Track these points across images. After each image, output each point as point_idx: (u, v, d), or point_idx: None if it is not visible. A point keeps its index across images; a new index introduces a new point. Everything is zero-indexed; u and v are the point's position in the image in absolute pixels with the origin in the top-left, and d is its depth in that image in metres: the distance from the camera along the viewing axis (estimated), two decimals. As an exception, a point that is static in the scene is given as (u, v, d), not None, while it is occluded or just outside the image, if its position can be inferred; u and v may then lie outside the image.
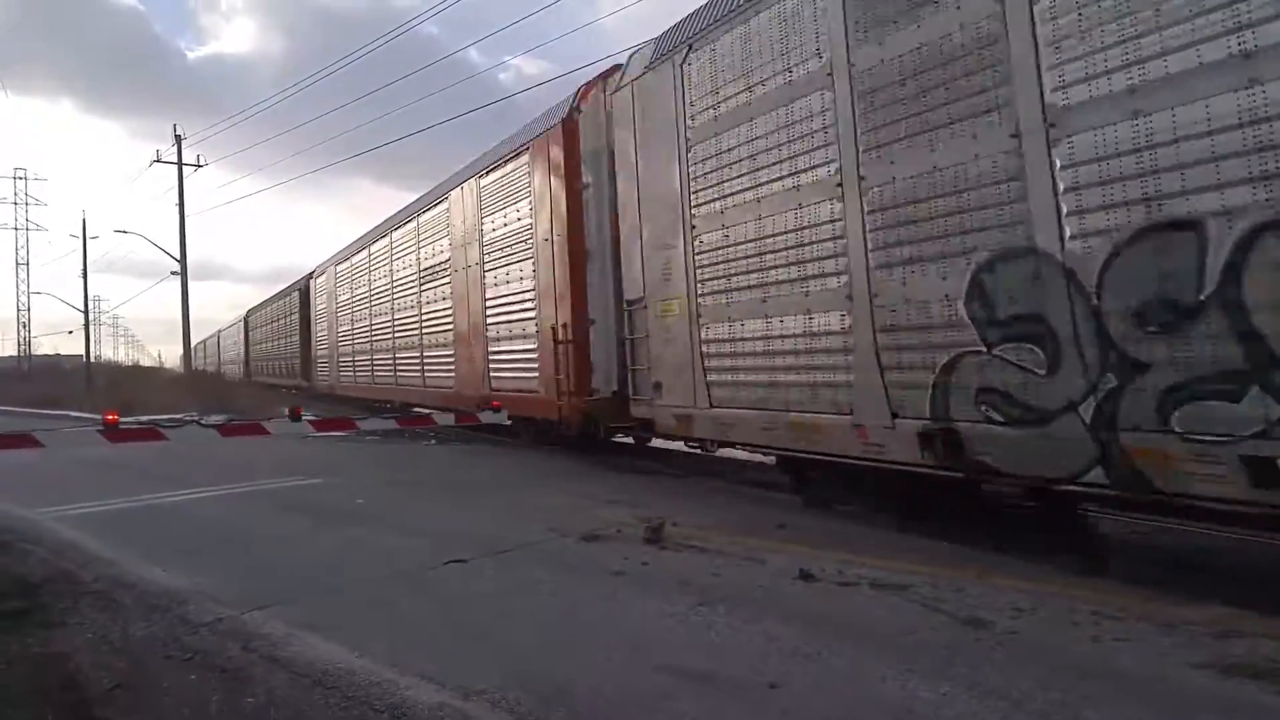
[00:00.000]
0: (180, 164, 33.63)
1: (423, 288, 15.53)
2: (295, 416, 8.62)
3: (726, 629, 4.08)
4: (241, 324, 42.31)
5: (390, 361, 17.50)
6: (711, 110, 7.52)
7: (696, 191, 7.72)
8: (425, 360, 15.54)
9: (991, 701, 3.17)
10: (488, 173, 12.53)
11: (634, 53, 9.11)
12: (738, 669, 3.56)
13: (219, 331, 53.86)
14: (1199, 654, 3.59)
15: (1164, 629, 3.91)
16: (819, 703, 3.24)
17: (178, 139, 33.64)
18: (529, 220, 11.12)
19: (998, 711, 3.10)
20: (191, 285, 34.06)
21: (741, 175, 7.16)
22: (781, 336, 6.80)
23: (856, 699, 3.26)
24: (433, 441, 13.93)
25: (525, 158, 11.27)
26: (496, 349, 12.24)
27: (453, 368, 14.02)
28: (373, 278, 18.89)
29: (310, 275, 25.87)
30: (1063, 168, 4.74)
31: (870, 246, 5.94)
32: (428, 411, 12.06)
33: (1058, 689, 3.25)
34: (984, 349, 5.25)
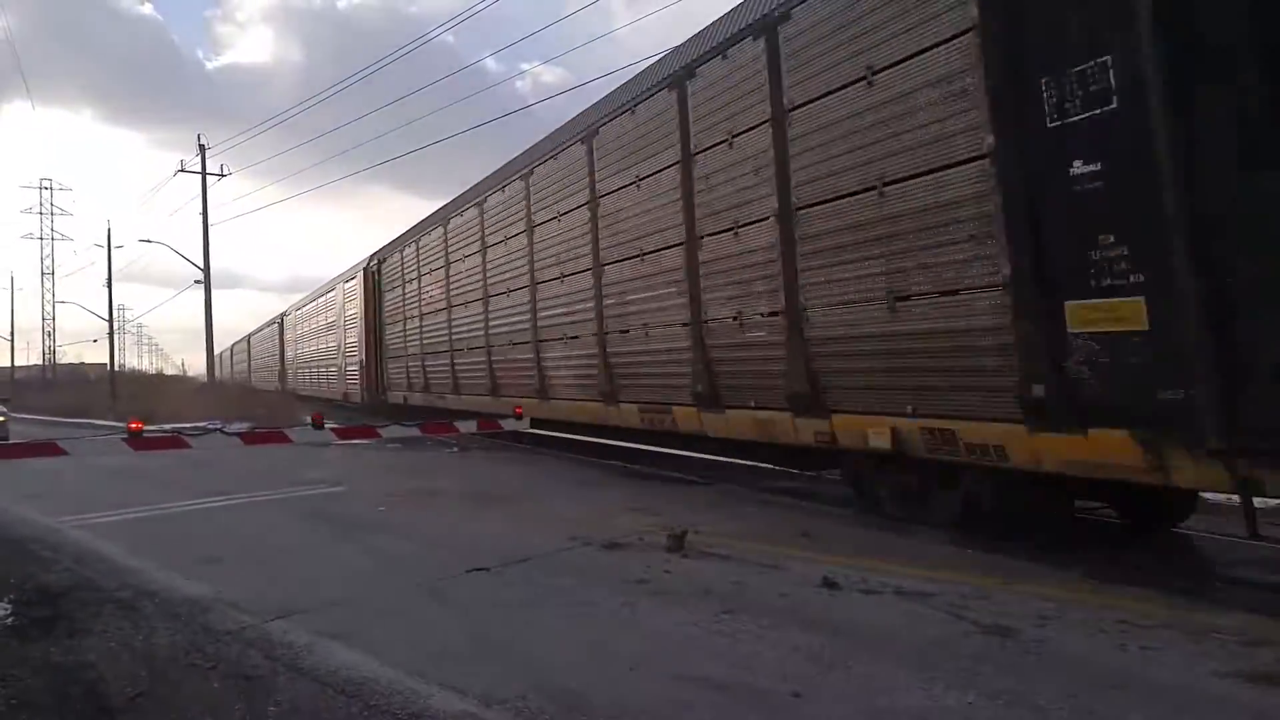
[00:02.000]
0: (204, 173, 33.94)
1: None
2: (317, 424, 8.67)
3: (749, 638, 4.04)
4: (359, 282, 21.43)
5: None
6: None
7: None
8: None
9: (1017, 710, 3.13)
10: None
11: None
12: (760, 678, 3.54)
13: (282, 314, 34.67)
14: (1226, 662, 3.54)
15: (1191, 637, 3.86)
16: (842, 712, 3.21)
17: (201, 149, 33.95)
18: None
19: (1024, 721, 3.06)
20: (214, 294, 34.33)
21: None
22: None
23: (881, 708, 3.22)
24: (454, 449, 13.98)
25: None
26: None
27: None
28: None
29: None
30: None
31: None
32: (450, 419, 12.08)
33: (1084, 697, 3.21)
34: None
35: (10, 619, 4.83)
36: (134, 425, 7.85)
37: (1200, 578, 4.98)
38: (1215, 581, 5.01)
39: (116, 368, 50.82)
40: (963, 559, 5.45)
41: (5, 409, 20.89)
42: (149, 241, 37.31)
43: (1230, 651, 3.67)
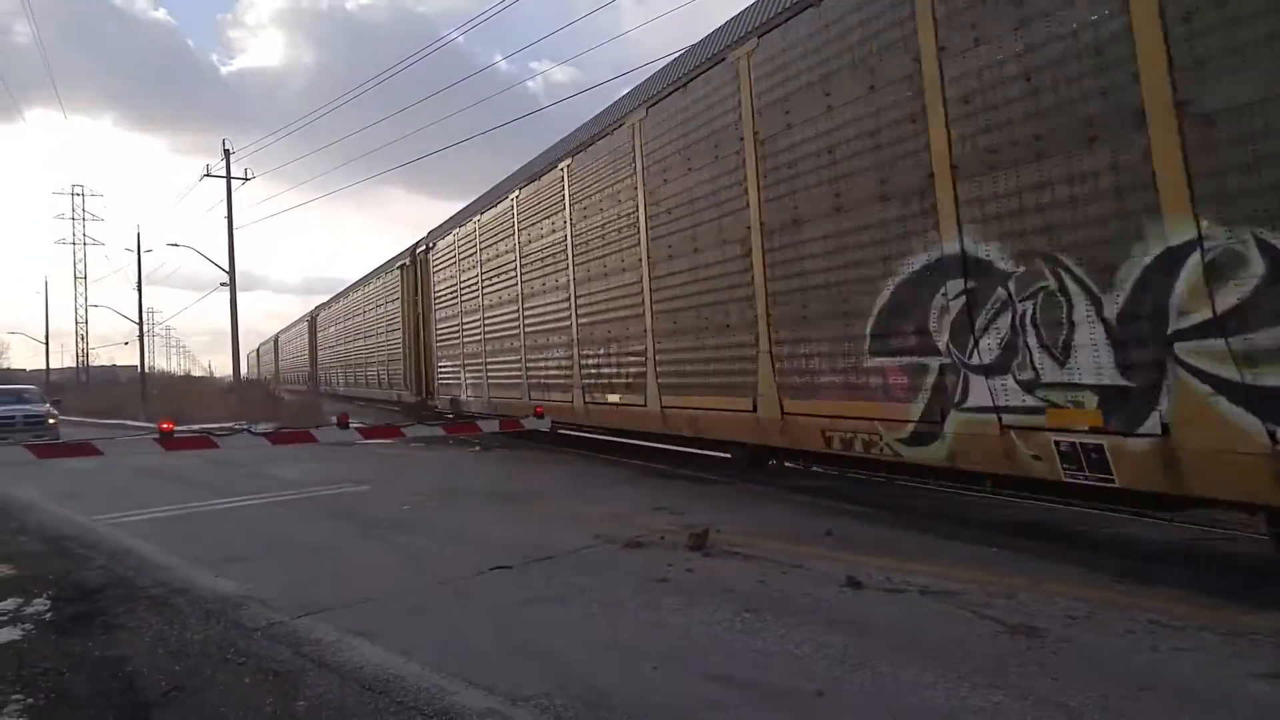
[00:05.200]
0: (229, 178, 34.20)
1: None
2: (343, 425, 8.76)
3: (772, 637, 4.04)
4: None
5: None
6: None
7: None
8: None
9: (1045, 711, 3.11)
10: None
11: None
12: (784, 677, 3.54)
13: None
14: (1261, 663, 3.49)
15: (1225, 637, 3.81)
16: (867, 711, 3.20)
17: (226, 154, 34.20)
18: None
19: (1052, 722, 3.04)
20: (237, 296, 34.57)
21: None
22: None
23: (906, 708, 3.21)
24: (477, 448, 14.05)
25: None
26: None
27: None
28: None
29: None
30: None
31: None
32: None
33: (1114, 698, 3.18)
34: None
35: (48, 615, 4.92)
36: (165, 426, 7.98)
37: (1238, 578, 4.90)
38: (1254, 582, 4.92)
39: (146, 369, 51.34)
40: (988, 557, 5.41)
41: (56, 411, 21.09)
42: (177, 246, 37.53)
43: (1267, 653, 3.61)
